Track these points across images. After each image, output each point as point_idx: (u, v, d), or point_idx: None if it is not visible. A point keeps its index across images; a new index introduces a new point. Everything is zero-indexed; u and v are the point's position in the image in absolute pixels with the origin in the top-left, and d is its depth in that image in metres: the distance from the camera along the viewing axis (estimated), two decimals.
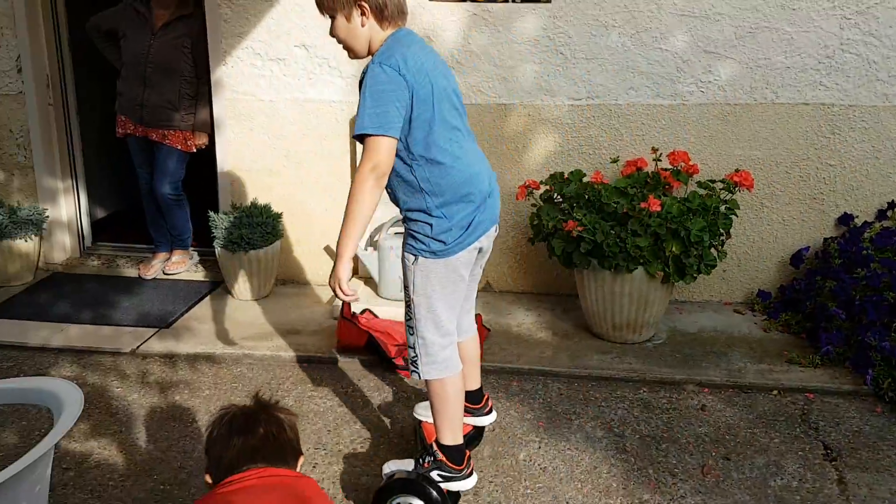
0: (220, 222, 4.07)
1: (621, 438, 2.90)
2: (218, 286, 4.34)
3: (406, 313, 2.44)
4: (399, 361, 3.40)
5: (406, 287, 2.40)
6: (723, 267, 4.01)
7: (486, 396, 2.79)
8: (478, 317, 3.58)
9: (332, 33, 2.29)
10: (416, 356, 2.42)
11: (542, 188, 3.72)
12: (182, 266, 4.50)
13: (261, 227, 4.06)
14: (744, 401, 3.19)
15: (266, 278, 4.18)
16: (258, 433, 1.75)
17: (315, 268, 4.38)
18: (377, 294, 4.01)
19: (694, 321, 3.91)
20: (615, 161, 3.85)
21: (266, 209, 4.13)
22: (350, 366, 3.47)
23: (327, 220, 4.27)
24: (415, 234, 2.33)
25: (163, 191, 4.24)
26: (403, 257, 2.38)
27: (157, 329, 3.80)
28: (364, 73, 2.21)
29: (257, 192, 4.27)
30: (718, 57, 3.81)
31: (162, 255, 4.52)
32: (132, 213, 5.31)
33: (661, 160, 3.71)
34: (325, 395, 3.26)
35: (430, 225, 2.29)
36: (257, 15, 3.98)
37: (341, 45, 2.31)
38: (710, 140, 3.92)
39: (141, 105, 4.12)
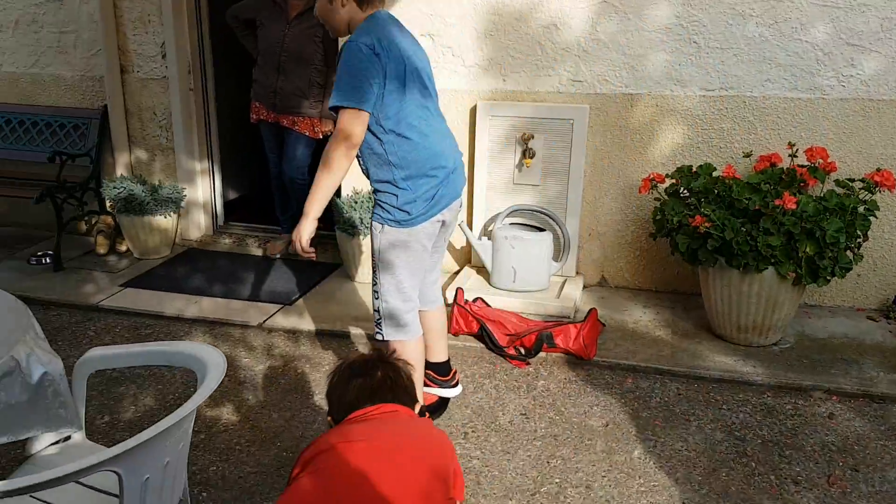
0: (341, 206, 4.20)
1: (742, 442, 2.80)
2: (337, 268, 4.48)
3: (372, 279, 2.62)
4: (510, 351, 3.41)
5: (372, 254, 2.58)
6: (857, 271, 3.77)
7: (453, 371, 2.96)
8: (592, 311, 3.53)
9: (316, 12, 2.51)
10: (380, 318, 2.62)
11: (668, 182, 3.61)
12: None
13: None
14: (875, 411, 3.00)
15: None
16: (377, 376, 1.81)
17: None
18: (489, 283, 4.03)
19: (824, 326, 3.71)
20: (748, 155, 3.69)
21: None
22: (462, 352, 3.50)
23: None
24: (382, 203, 2.52)
25: (291, 175, 4.41)
26: (371, 226, 2.56)
27: (281, 305, 3.97)
28: (342, 50, 2.38)
29: None
30: (862, 50, 3.58)
31: (287, 237, 4.72)
32: (260, 196, 5.56)
33: (797, 156, 3.52)
34: None
35: (396, 196, 2.48)
36: (385, 4, 4.06)
37: (323, 24, 2.53)
38: (850, 137, 3.69)
39: (274, 92, 4.30)
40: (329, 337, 3.67)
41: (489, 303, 3.78)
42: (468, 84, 4.10)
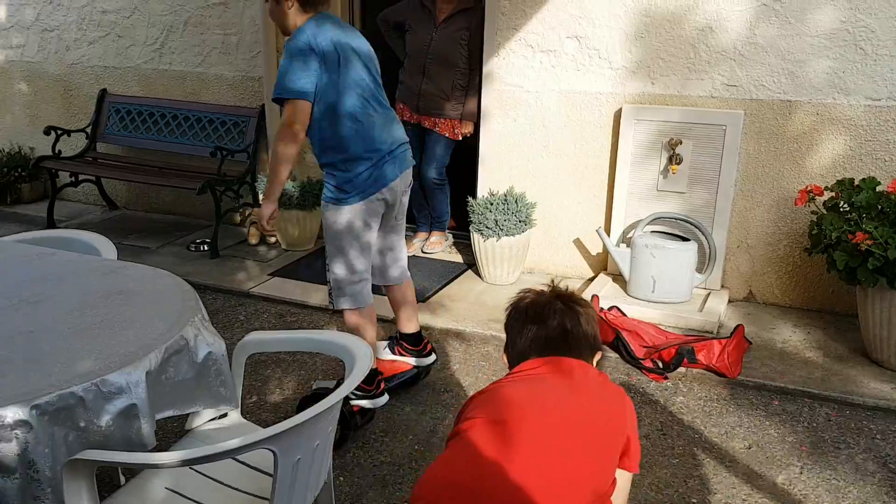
0: (477, 208, 4.24)
1: None
2: (469, 268, 4.53)
3: (325, 253, 2.87)
4: (647, 364, 3.32)
5: (323, 230, 2.85)
6: None
7: (425, 340, 3.22)
8: (739, 327, 3.38)
9: (269, 14, 2.78)
10: (331, 289, 2.89)
11: (827, 195, 3.39)
12: (439, 246, 4.76)
13: (515, 214, 4.17)
14: None
15: (515, 265, 4.28)
16: (551, 325, 1.67)
17: (561, 259, 4.40)
18: (626, 292, 3.94)
19: None
20: None
21: (521, 198, 4.23)
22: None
23: (578, 213, 4.27)
24: (327, 183, 2.79)
25: (429, 175, 4.50)
26: (322, 205, 2.82)
27: None
28: (285, 46, 2.64)
29: (515, 180, 4.38)
30: None
31: (422, 235, 4.82)
32: None
33: None
34: None
35: (335, 176, 2.74)
36: (533, 7, 4.06)
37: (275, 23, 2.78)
38: None
39: (418, 94, 4.41)
40: (459, 335, 3.72)
41: (625, 312, 3.70)
42: (613, 87, 4.02)
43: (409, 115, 4.50)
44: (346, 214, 2.76)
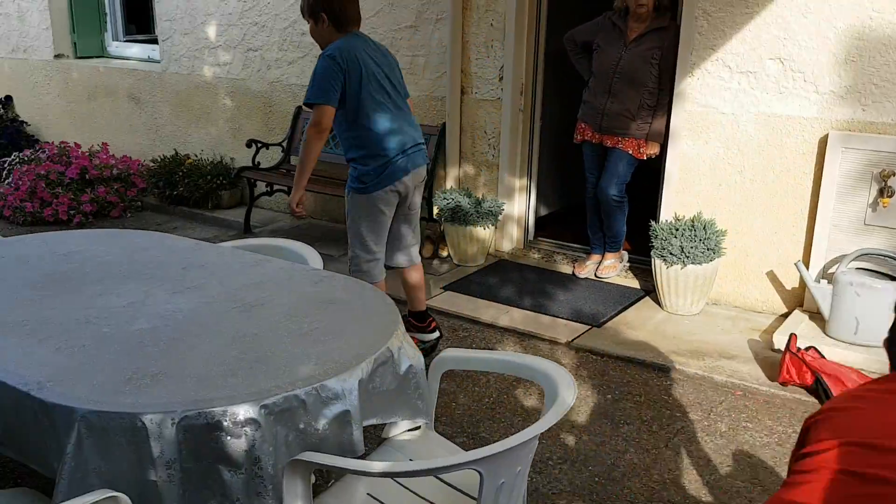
0: (660, 233, 4.09)
1: None
2: (647, 295, 4.38)
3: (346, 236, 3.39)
4: None
5: (346, 215, 3.38)
6: None
7: (430, 318, 3.67)
8: None
9: (310, 33, 3.32)
10: (349, 265, 3.40)
11: None
12: (613, 270, 4.64)
13: (703, 242, 3.98)
14: None
15: (700, 295, 4.09)
16: None
17: (751, 292, 4.15)
18: (824, 332, 3.64)
19: None
20: None
21: (710, 224, 4.03)
22: (791, 404, 3.21)
23: (773, 244, 4.01)
24: (350, 175, 3.32)
25: (609, 192, 4.40)
26: (346, 192, 3.35)
27: (589, 326, 3.98)
28: (319, 57, 3.18)
29: (703, 205, 4.19)
30: None
31: (595, 257, 4.72)
32: (568, 214, 5.65)
33: None
34: (761, 429, 3.06)
35: (357, 169, 3.28)
36: (733, 27, 3.88)
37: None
38: None
39: (602, 113, 4.34)
40: (638, 365, 3.59)
41: (823, 354, 3.42)
42: (819, 112, 3.75)
43: (591, 134, 4.44)
44: (364, 201, 3.29)
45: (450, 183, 5.13)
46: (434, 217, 5.13)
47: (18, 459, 1.90)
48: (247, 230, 5.63)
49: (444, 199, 4.83)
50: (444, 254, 5.05)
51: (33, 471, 2.59)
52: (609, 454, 2.90)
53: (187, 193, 5.98)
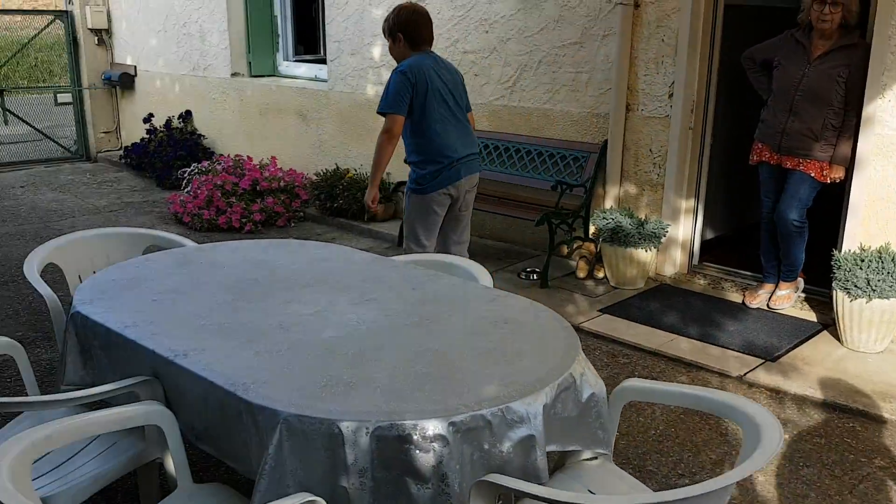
0: (844, 263, 3.79)
1: None
2: (825, 328, 4.06)
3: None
4: None
5: (404, 212, 3.89)
6: None
7: None
8: None
9: (389, 51, 3.79)
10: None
11: None
12: (787, 302, 4.34)
13: (891, 275, 3.64)
14: None
15: (885, 331, 3.74)
16: None
17: None
18: None
19: None
20: None
21: None
22: None
23: None
24: (410, 177, 3.77)
25: (789, 216, 4.11)
26: (405, 192, 3.85)
27: (763, 360, 3.73)
28: (392, 71, 3.63)
29: (892, 236, 3.84)
30: None
31: (768, 287, 4.43)
32: (736, 238, 5.36)
33: None
34: None
35: (416, 171, 3.73)
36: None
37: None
38: None
39: (782, 133, 4.08)
40: (818, 406, 3.33)
41: None
42: None
43: (770, 155, 4.18)
44: (420, 201, 3.75)
45: (609, 202, 5.01)
46: (590, 236, 5.02)
47: (216, 456, 2.01)
48: (400, 243, 5.77)
49: (604, 218, 4.72)
50: (600, 275, 4.94)
51: (213, 466, 2.76)
52: (787, 497, 2.69)
53: (346, 206, 6.23)
